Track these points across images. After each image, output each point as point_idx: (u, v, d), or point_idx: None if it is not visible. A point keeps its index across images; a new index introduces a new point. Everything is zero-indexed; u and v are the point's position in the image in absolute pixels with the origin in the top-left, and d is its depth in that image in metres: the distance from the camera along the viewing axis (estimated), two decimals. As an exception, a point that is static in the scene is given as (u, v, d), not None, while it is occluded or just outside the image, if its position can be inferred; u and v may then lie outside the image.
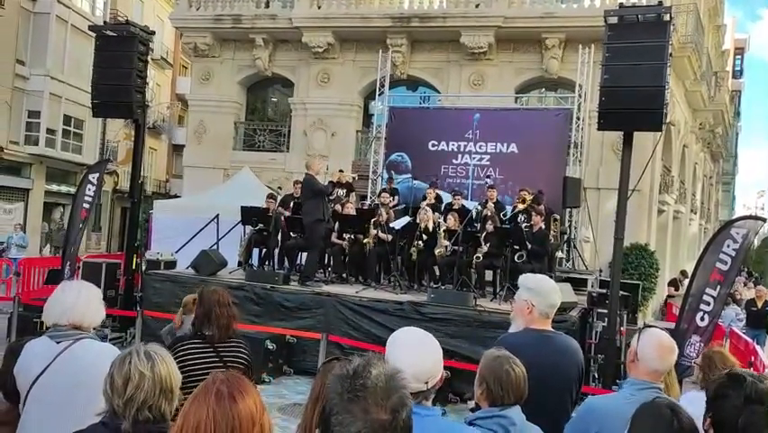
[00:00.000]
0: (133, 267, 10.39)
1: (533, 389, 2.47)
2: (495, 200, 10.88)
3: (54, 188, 24.91)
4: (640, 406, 2.06)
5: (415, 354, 2.00)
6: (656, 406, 2.02)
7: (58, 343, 2.73)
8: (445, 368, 2.18)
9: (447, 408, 6.47)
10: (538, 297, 3.06)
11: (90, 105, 10.48)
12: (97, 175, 11.55)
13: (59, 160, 24.33)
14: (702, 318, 7.38)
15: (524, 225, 9.95)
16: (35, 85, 23.26)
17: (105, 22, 17.71)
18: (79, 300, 2.81)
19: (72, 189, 14.14)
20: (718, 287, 7.38)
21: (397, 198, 11.96)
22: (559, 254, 11.39)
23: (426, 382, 1.97)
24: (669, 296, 16.11)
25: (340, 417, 1.32)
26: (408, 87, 17.57)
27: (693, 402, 2.55)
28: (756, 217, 8.26)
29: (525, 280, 3.17)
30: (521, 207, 10.52)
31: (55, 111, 23.90)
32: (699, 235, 27.40)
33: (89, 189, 11.06)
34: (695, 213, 25.50)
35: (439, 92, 16.82)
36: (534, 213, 9.77)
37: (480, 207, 10.91)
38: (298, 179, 12.17)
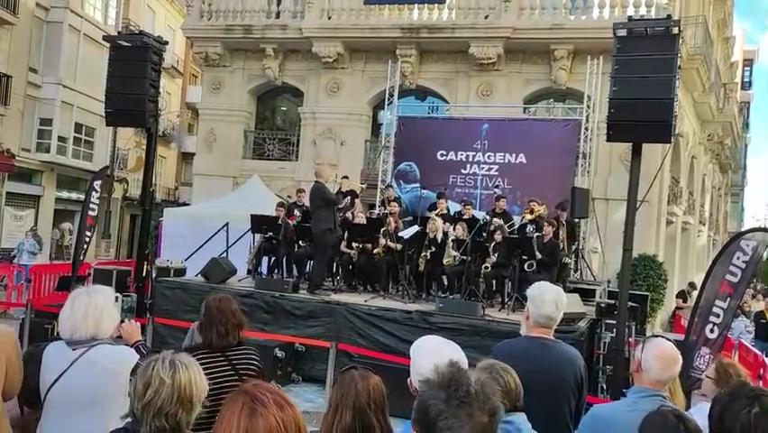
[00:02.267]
0: (144, 274, 10.46)
1: (525, 395, 2.50)
2: (502, 210, 10.90)
3: (65, 195, 25.12)
4: (647, 415, 2.10)
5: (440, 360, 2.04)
6: (662, 414, 2.08)
7: (74, 350, 2.77)
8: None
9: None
10: (533, 305, 3.11)
11: (102, 114, 10.59)
12: (99, 182, 11.72)
13: (69, 167, 24.54)
14: (712, 330, 7.35)
15: (535, 234, 9.94)
16: (47, 93, 23.51)
17: (118, 32, 17.91)
18: (89, 314, 2.79)
19: (83, 196, 14.32)
20: (728, 299, 7.34)
21: (398, 206, 11.84)
22: (566, 259, 11.37)
23: None
24: (677, 307, 16.00)
25: (449, 421, 1.47)
26: (417, 98, 17.63)
27: (705, 415, 2.58)
28: (765, 230, 8.24)
29: (531, 287, 3.22)
30: (529, 217, 10.52)
31: (66, 119, 24.13)
32: (707, 247, 27.23)
33: (93, 196, 11.21)
34: (704, 224, 25.36)
35: (448, 102, 16.86)
36: (545, 223, 9.77)
37: (488, 217, 10.93)
38: (302, 188, 12.26)
